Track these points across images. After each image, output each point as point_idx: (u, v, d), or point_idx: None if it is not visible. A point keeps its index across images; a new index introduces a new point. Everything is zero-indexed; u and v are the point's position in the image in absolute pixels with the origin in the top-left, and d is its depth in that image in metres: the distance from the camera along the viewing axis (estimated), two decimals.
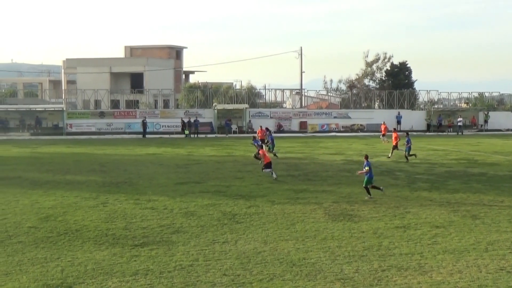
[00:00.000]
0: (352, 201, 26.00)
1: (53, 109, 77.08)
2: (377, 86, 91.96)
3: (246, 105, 77.10)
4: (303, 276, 15.72)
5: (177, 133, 71.94)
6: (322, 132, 75.54)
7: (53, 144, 57.70)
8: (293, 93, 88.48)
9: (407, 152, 41.61)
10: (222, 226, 21.50)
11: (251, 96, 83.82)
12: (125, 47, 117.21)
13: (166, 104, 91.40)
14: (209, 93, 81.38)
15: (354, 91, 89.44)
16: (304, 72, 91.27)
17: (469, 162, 41.09)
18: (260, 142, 40.23)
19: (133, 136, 69.42)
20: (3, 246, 18.94)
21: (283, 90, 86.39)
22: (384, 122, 61.35)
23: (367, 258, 17.32)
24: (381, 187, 27.80)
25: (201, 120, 73.14)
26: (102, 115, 74.70)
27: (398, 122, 76.63)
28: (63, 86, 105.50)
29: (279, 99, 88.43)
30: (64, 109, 76.15)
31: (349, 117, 77.87)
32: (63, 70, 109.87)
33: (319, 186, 30.24)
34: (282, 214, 23.47)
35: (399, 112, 77.69)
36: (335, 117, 77.99)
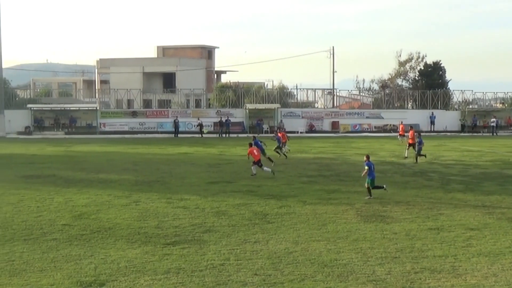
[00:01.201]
0: (385, 202, 25.86)
1: (87, 108, 77.75)
2: (410, 86, 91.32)
3: (278, 105, 77.08)
4: (335, 277, 15.67)
5: (209, 132, 72.16)
6: (354, 132, 75.27)
7: (87, 143, 58.20)
8: (325, 93, 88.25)
9: (417, 153, 41.06)
10: (253, 226, 21.51)
11: (283, 95, 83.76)
12: (158, 47, 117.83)
13: (197, 104, 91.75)
14: (240, 93, 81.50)
15: (387, 91, 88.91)
16: (336, 71, 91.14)
17: (504, 164, 40.67)
18: (260, 143, 39.69)
19: (165, 135, 69.76)
20: (38, 243, 19.15)
21: (314, 90, 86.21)
22: (401, 122, 61.06)
23: (399, 260, 17.21)
24: (384, 186, 27.72)
25: (232, 119, 73.31)
26: (134, 114, 75.24)
27: (432, 123, 76.20)
28: (97, 86, 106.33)
29: (310, 99, 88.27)
30: (98, 108, 76.76)
31: (382, 117, 77.49)
32: (96, 70, 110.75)
33: (351, 186, 30.13)
34: (314, 214, 23.43)
35: (432, 113, 77.19)
36: (367, 117, 77.69)
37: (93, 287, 15.02)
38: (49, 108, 76.54)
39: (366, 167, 27.16)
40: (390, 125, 76.27)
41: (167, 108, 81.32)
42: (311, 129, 75.07)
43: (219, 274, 15.92)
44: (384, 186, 27.81)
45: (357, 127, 76.51)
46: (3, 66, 74.40)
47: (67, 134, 71.73)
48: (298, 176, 33.50)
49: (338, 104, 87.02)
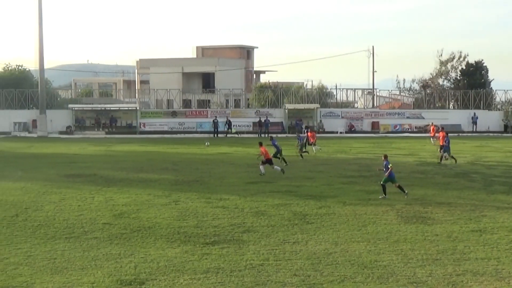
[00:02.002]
0: (426, 203, 25.62)
1: (127, 108, 78.38)
2: (452, 86, 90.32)
3: (317, 105, 76.86)
4: (375, 279, 15.56)
5: (248, 132, 72.24)
6: (395, 132, 74.73)
7: (127, 143, 58.66)
8: (365, 92, 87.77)
9: (446, 152, 40.27)
10: (293, 226, 21.47)
11: (322, 95, 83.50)
12: (197, 47, 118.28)
13: (237, 104, 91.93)
14: (279, 93, 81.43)
15: (428, 91, 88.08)
16: (376, 71, 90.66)
17: None
18: (277, 142, 39.87)
19: (205, 135, 69.97)
20: (79, 242, 19.34)
21: (354, 90, 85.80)
22: (432, 123, 60.40)
23: (441, 262, 17.02)
24: (405, 191, 27.34)
25: (271, 120, 73.29)
26: (174, 114, 75.64)
27: (474, 123, 75.28)
28: (137, 86, 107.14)
29: (350, 99, 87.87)
30: (138, 108, 77.32)
31: (423, 118, 76.73)
32: (136, 70, 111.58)
33: (392, 187, 29.85)
34: (354, 215, 23.30)
35: (474, 113, 76.28)
36: (408, 117, 77.05)
37: (133, 285, 15.11)
38: (90, 108, 77.30)
39: (390, 165, 27.07)
40: (440, 126, 75.40)
41: (206, 108, 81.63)
42: (350, 129, 74.72)
43: (258, 274, 15.90)
44: (406, 191, 27.29)
45: (397, 128, 75.93)
46: (45, 66, 75.32)
47: (107, 133, 72.37)
48: (338, 177, 33.37)
49: (378, 104, 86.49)
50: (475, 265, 16.77)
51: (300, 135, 46.96)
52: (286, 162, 38.57)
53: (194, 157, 44.50)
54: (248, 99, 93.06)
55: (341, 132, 73.56)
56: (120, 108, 78.00)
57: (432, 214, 23.55)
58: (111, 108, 77.37)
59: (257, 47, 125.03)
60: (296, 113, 75.60)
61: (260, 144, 35.73)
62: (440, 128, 46.99)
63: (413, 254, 17.79)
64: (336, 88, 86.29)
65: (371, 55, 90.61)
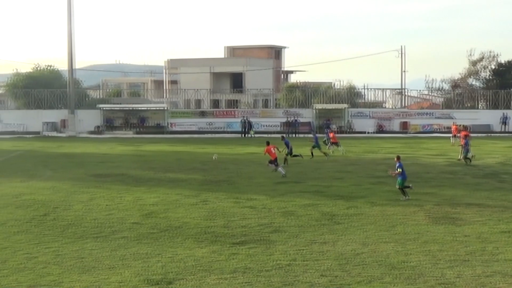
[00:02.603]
0: (455, 204, 25.40)
1: (156, 108, 78.59)
2: (482, 86, 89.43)
3: (346, 105, 76.54)
4: (403, 280, 15.46)
5: (276, 132, 72.13)
6: (424, 132, 74.16)
7: (156, 143, 58.88)
8: (394, 92, 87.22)
9: (464, 154, 39.69)
10: (321, 227, 21.41)
11: (351, 95, 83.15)
12: (227, 47, 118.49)
13: (266, 104, 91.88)
14: (308, 93, 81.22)
15: (458, 91, 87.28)
16: (405, 71, 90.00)
17: None
18: (288, 141, 40.09)
19: (233, 135, 70.02)
20: (108, 241, 19.45)
21: (384, 90, 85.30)
22: (454, 123, 59.78)
23: (470, 263, 16.87)
24: (410, 185, 27.32)
25: (300, 120, 73.14)
26: (203, 114, 75.77)
27: (504, 123, 74.44)
28: (166, 86, 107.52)
29: (379, 98, 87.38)
30: (167, 108, 77.53)
31: (452, 118, 76.01)
32: (166, 70, 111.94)
33: (421, 188, 29.67)
34: (382, 215, 23.18)
35: (504, 113, 75.44)
36: (437, 118, 76.37)
37: (160, 285, 15.17)
38: (119, 108, 77.63)
39: (399, 169, 26.90)
40: (461, 125, 74.84)
41: (235, 108, 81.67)
42: (380, 130, 74.33)
43: (286, 274, 15.89)
44: (411, 185, 27.44)
45: (427, 128, 75.35)
46: (75, 67, 75.85)
47: (136, 133, 72.68)
48: (367, 177, 33.23)
49: (407, 104, 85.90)
50: (504, 266, 16.60)
51: (316, 135, 46.83)
52: (301, 157, 39.32)
53: (222, 157, 44.53)
54: (277, 99, 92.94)
55: (370, 132, 73.22)
56: (149, 108, 78.23)
57: (462, 214, 23.35)
58: (140, 108, 77.65)
59: (286, 47, 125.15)
60: (325, 113, 75.35)
61: (267, 143, 35.78)
62: (462, 128, 46.49)
63: (442, 255, 17.66)
64: (365, 88, 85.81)
65: (401, 55, 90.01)
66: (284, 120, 73.23)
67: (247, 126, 70.74)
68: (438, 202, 25.92)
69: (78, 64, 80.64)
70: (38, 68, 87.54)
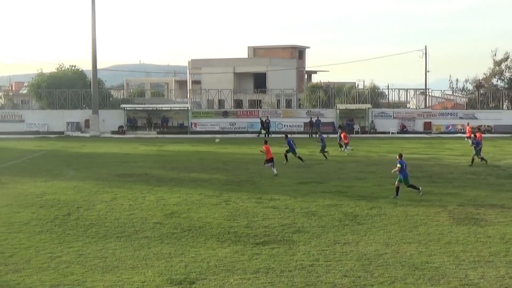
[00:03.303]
0: (478, 205, 25.22)
1: (178, 108, 78.83)
2: (506, 86, 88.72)
3: (369, 105, 76.34)
4: (426, 280, 15.38)
5: (299, 132, 72.05)
6: (447, 133, 73.78)
7: (178, 143, 59.05)
8: (417, 93, 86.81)
9: (476, 154, 39.12)
10: (344, 227, 21.35)
11: (374, 96, 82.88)
12: (249, 47, 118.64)
13: (288, 104, 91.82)
14: (331, 93, 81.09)
15: (481, 91, 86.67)
16: (428, 71, 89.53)
17: None
18: (291, 141, 40.09)
19: (256, 135, 70.02)
20: (130, 241, 19.52)
21: (406, 90, 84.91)
22: (468, 123, 59.36)
23: (493, 264, 16.73)
24: (419, 188, 27.35)
25: (323, 120, 73.03)
26: (225, 114, 75.88)
27: None
28: (188, 86, 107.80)
29: (402, 99, 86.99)
30: (189, 108, 77.75)
31: (476, 118, 75.54)
32: (188, 71, 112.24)
33: (444, 188, 29.52)
34: (405, 216, 23.07)
35: None
36: (460, 118, 75.92)
37: (183, 285, 15.19)
38: (142, 108, 77.95)
39: (399, 165, 26.99)
40: (485, 125, 74.35)
41: (257, 108, 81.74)
42: (403, 130, 74.02)
43: (308, 275, 15.86)
44: (420, 188, 27.46)
45: (450, 128, 74.94)
46: (98, 67, 76.29)
47: (159, 133, 72.94)
48: (389, 177, 33.01)
49: (430, 105, 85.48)
50: None
51: (322, 135, 46.72)
52: (302, 160, 39.27)
53: (245, 157, 44.60)
54: (299, 99, 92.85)
55: (393, 133, 72.96)
56: (172, 108, 78.50)
57: (485, 215, 23.18)
58: (163, 108, 77.95)
59: (309, 47, 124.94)
60: (348, 113, 75.21)
61: (265, 142, 36.40)
62: (477, 129, 46.11)
63: (465, 256, 17.54)
64: (388, 88, 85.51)
65: (424, 55, 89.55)
66: (307, 120, 73.13)
67: (269, 126, 70.78)
68: (461, 202, 25.75)
69: (101, 64, 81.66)
70: (62, 68, 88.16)
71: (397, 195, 26.74)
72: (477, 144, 39.30)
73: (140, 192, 28.79)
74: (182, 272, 16.12)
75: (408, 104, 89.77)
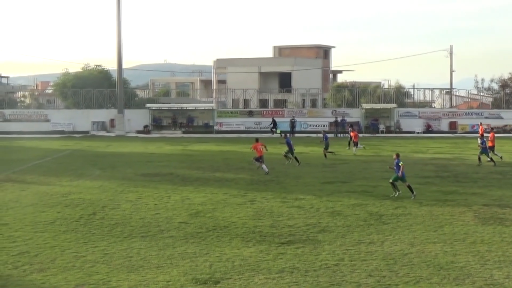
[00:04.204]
0: (503, 205, 25.04)
1: (204, 108, 78.97)
2: None
3: (394, 105, 75.97)
4: (451, 280, 15.30)
5: (324, 132, 71.73)
6: (473, 132, 73.19)
7: (204, 142, 59.14)
8: (443, 92, 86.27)
9: (486, 154, 38.81)
10: (368, 227, 21.29)
11: (399, 95, 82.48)
12: (274, 47, 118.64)
13: (313, 103, 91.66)
14: (356, 93, 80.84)
15: (507, 91, 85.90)
16: (454, 71, 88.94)
17: None
18: (290, 141, 40.07)
19: (271, 134, 69.86)
20: (155, 240, 19.60)
21: (432, 90, 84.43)
22: (481, 123, 58.87)
23: None
24: (398, 192, 27.12)
25: (348, 119, 72.81)
26: (250, 114, 75.88)
27: None
28: (214, 85, 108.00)
29: (428, 98, 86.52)
30: (215, 108, 77.86)
31: (501, 118, 74.93)
32: (213, 70, 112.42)
33: (469, 188, 29.34)
34: (430, 216, 22.96)
35: None
36: (486, 117, 75.30)
37: (208, 284, 15.23)
38: (167, 108, 78.13)
39: (401, 163, 27.07)
40: (510, 125, 73.72)
41: (283, 107, 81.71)
42: (428, 129, 73.60)
43: (333, 274, 15.84)
44: (397, 193, 27.15)
45: (475, 128, 74.28)
46: (124, 66, 76.67)
47: (184, 133, 73.09)
48: (414, 177, 32.89)
49: (456, 104, 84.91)
50: None
51: (326, 134, 46.55)
52: (298, 162, 39.13)
53: (270, 157, 44.43)
54: (324, 99, 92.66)
55: (418, 132, 72.56)
56: (197, 108, 78.69)
57: (510, 215, 23.03)
58: (188, 108, 78.13)
59: (334, 47, 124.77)
60: (373, 113, 74.91)
61: (256, 140, 36.92)
62: (490, 129, 45.72)
63: (490, 256, 17.44)
64: (413, 88, 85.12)
65: (450, 54, 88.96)
66: (332, 120, 72.94)
67: (295, 126, 70.72)
68: (486, 202, 25.58)
69: (126, 64, 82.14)
70: (87, 68, 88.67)
71: (413, 192, 26.81)
72: (483, 144, 39.00)
73: (165, 191, 28.89)
74: (207, 272, 16.16)
75: (433, 103, 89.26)
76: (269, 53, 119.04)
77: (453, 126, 74.50)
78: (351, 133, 49.10)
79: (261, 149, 35.80)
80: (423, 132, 72.87)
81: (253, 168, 37.72)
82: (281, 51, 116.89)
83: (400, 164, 27.10)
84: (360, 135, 69.01)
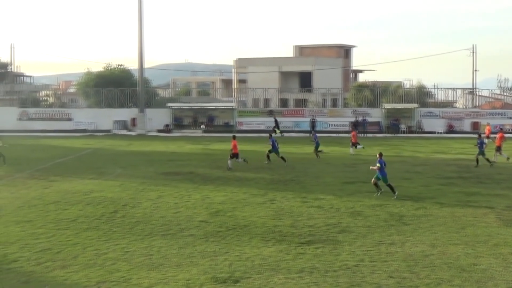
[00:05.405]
0: None
1: (224, 107, 79.07)
2: None
3: (416, 105, 75.59)
4: (473, 283, 15.17)
5: (345, 132, 71.71)
6: (496, 133, 72.63)
7: (224, 141, 59.03)
8: (465, 92, 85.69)
9: (481, 155, 38.35)
10: (389, 227, 21.18)
11: (421, 95, 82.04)
12: (295, 46, 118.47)
13: (334, 103, 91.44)
14: (377, 92, 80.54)
15: None
16: (477, 70, 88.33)
17: None
18: (274, 140, 40.24)
19: (301, 134, 69.84)
20: (176, 239, 19.63)
21: (454, 89, 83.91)
22: (488, 123, 58.36)
23: None
24: (395, 192, 27.02)
25: (369, 119, 72.59)
26: (271, 113, 75.81)
27: None
28: (234, 85, 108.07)
29: (450, 98, 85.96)
30: (235, 107, 77.92)
31: None
32: (234, 70, 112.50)
33: (492, 189, 29.11)
34: (452, 217, 22.79)
35: None
36: (509, 118, 74.78)
37: (227, 283, 15.22)
38: (188, 107, 78.31)
39: (378, 165, 27.12)
40: (499, 127, 73.03)
41: (303, 107, 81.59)
42: (450, 130, 73.16)
43: (353, 275, 15.76)
44: (396, 193, 27.09)
45: (499, 128, 73.76)
46: (145, 66, 76.90)
47: (205, 132, 73.21)
48: (436, 178, 32.74)
49: (479, 104, 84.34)
50: None
51: (316, 134, 46.54)
52: (284, 160, 39.25)
53: (290, 156, 44.42)
54: (345, 99, 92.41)
55: (440, 132, 72.16)
56: (218, 107, 78.79)
57: None
58: (209, 107, 78.26)
59: (355, 46, 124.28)
60: (394, 113, 74.55)
61: (233, 138, 38.32)
62: (499, 129, 45.36)
63: None
64: (435, 88, 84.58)
65: (472, 54, 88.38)
66: (353, 119, 72.74)
67: (315, 126, 70.62)
68: (509, 204, 25.37)
69: (147, 63, 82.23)
70: (109, 68, 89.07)
71: (380, 189, 27.29)
72: (481, 145, 38.60)
73: (186, 190, 28.94)
74: (226, 271, 16.16)
75: (455, 103, 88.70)
76: (289, 53, 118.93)
77: (475, 126, 73.97)
78: (353, 133, 49.02)
79: (236, 147, 37.35)
80: (445, 133, 72.46)
81: (273, 167, 37.72)
82: (302, 51, 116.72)
83: (377, 165, 27.31)
84: (381, 135, 69.09)
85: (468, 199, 26.33)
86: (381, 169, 27.19)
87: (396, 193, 26.91)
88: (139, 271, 16.17)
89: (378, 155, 27.95)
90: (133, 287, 15.09)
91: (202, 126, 74.06)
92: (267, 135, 43.19)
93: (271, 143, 40.01)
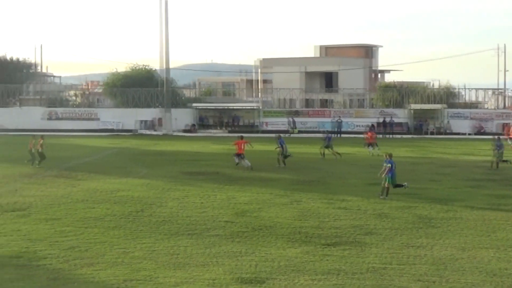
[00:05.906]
0: None
1: (249, 107, 78.97)
2: None
3: (444, 105, 74.92)
4: None
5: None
6: None
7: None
8: (495, 93, 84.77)
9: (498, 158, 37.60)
10: (417, 230, 20.92)
11: (449, 95, 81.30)
12: (319, 46, 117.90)
13: (360, 104, 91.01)
14: (404, 93, 79.97)
15: None
16: (507, 70, 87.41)
17: None
18: (283, 141, 39.81)
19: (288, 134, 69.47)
20: (201, 238, 19.56)
21: (484, 90, 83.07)
22: (508, 124, 57.49)
23: None
24: (404, 184, 27.32)
25: (395, 120, 72.09)
26: (296, 114, 75.56)
27: None
28: (259, 85, 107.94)
29: (479, 99, 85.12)
30: (260, 107, 77.79)
31: None
32: (259, 70, 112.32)
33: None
34: (482, 220, 22.46)
35: None
36: None
37: (253, 284, 15.10)
38: (213, 107, 78.34)
39: (388, 165, 26.89)
40: None
41: (328, 108, 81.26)
42: (479, 131, 72.35)
43: (380, 278, 15.55)
44: (405, 184, 27.34)
45: None
46: (170, 66, 77.04)
47: (230, 132, 73.09)
48: (465, 180, 32.38)
49: (509, 105, 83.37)
50: None
51: (330, 135, 46.22)
52: (284, 163, 38.97)
53: (315, 157, 44.28)
54: (371, 99, 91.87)
55: (469, 134, 71.43)
56: (243, 107, 78.71)
57: None
58: (234, 107, 78.21)
59: (381, 46, 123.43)
60: (422, 114, 73.93)
61: (240, 138, 38.29)
62: None
63: None
64: (464, 88, 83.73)
65: (501, 53, 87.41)
66: (377, 120, 72.26)
67: (341, 126, 70.32)
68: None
69: (172, 64, 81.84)
70: (135, 68, 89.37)
71: (386, 195, 26.79)
72: (499, 147, 38.00)
73: (211, 190, 28.87)
74: (251, 271, 16.03)
75: (485, 104, 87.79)
76: (314, 53, 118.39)
77: (505, 128, 73.13)
78: (368, 134, 48.71)
79: (242, 147, 37.15)
80: (474, 134, 71.70)
81: (298, 168, 37.54)
82: (327, 51, 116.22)
83: (383, 165, 27.32)
84: (408, 136, 68.55)
85: (498, 202, 25.97)
86: (390, 169, 26.83)
87: (406, 184, 27.38)
88: (165, 270, 16.12)
89: (387, 156, 27.73)
90: (158, 286, 15.04)
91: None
92: (287, 135, 43.04)
93: (280, 143, 39.60)
